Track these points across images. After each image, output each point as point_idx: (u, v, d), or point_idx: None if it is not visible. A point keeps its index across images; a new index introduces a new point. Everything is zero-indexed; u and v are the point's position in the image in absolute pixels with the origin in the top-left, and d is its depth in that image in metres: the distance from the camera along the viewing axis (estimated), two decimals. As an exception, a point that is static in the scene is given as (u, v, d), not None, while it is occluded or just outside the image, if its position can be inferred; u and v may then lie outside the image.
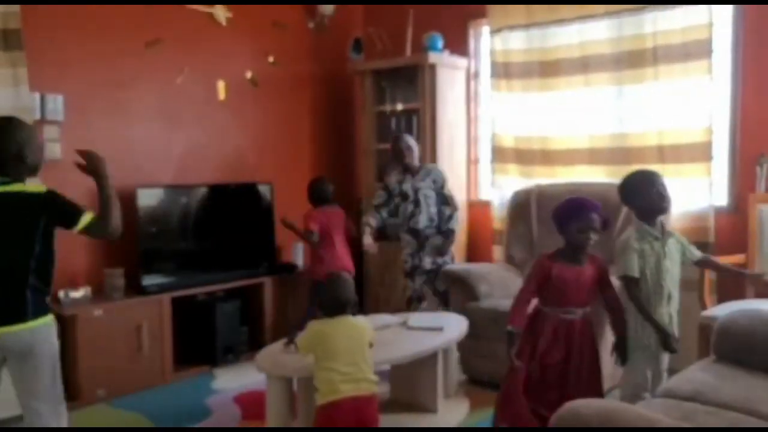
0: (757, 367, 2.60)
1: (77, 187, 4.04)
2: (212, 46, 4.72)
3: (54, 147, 3.96)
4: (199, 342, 4.34)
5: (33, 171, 2.48)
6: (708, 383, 2.46)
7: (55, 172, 3.91)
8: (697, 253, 3.03)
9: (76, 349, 3.74)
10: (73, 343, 3.73)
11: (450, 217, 4.35)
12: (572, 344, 2.87)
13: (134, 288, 4.11)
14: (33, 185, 2.46)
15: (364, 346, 2.69)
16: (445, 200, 4.36)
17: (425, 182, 4.35)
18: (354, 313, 2.77)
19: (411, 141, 4.43)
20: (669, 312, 2.88)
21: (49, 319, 2.44)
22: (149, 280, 4.12)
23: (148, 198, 4.20)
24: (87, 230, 2.44)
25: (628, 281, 2.84)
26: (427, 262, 4.33)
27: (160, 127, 4.49)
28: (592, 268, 2.93)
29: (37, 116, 3.82)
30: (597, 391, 2.90)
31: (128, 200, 4.12)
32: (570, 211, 2.90)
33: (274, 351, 3.11)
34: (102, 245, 4.16)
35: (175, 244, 4.37)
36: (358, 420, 2.58)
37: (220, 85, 4.79)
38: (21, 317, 2.34)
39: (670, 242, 2.91)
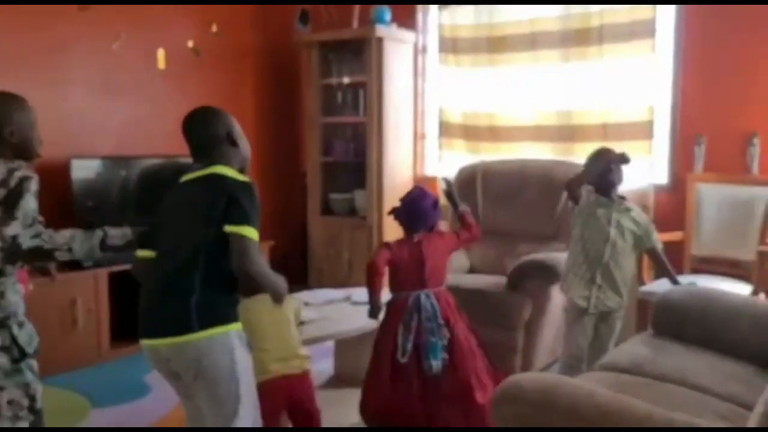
0: (693, 340, 2.66)
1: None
2: (151, 12, 4.54)
3: (-19, 114, 3.76)
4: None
5: None
6: (646, 356, 2.51)
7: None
8: (653, 244, 3.12)
9: (6, 325, 3.59)
10: (3, 320, 3.58)
11: None
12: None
13: (68, 262, 3.95)
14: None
15: (289, 322, 2.63)
16: None
17: None
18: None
19: None
20: (600, 281, 2.99)
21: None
22: (85, 255, 3.97)
23: (83, 169, 4.04)
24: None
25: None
26: None
27: (96, 96, 4.31)
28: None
29: (-38, 81, 3.60)
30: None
31: (62, 171, 3.98)
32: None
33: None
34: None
35: (113, 217, 4.17)
36: (290, 399, 2.53)
37: (160, 54, 4.61)
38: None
39: (625, 216, 3.00)
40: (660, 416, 1.58)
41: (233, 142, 2.23)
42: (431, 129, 5.16)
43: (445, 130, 4.96)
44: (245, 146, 2.29)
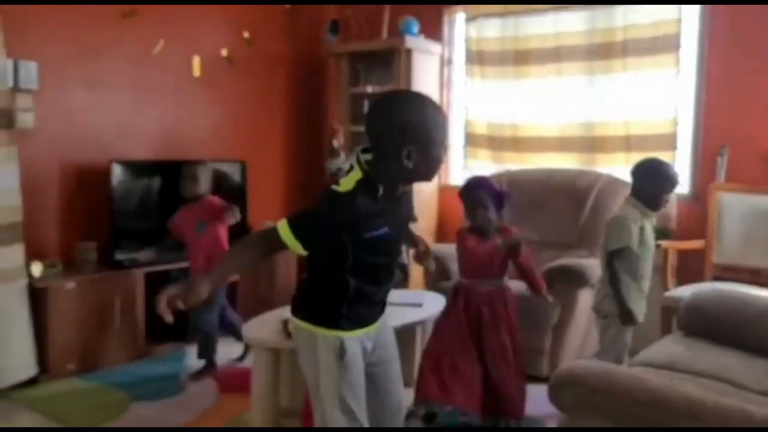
0: (723, 341, 2.76)
1: (49, 160, 4.01)
2: (188, 20, 4.67)
3: (27, 117, 3.86)
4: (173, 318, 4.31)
5: None
6: (681, 354, 2.61)
7: (27, 143, 3.84)
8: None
9: (47, 322, 3.70)
10: (44, 316, 3.70)
11: None
12: (481, 313, 3.00)
13: (107, 263, 4.07)
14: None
15: None
16: None
17: None
18: None
19: None
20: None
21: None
22: (122, 255, 4.08)
23: (122, 172, 4.15)
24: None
25: (615, 253, 2.91)
26: None
27: (134, 100, 4.42)
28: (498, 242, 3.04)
29: (10, 84, 3.70)
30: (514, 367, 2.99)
31: (102, 174, 4.10)
32: (461, 191, 3.15)
33: (260, 323, 3.13)
34: (74, 219, 4.11)
35: (149, 219, 4.32)
36: None
37: (196, 61, 4.75)
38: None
39: (652, 223, 3.05)
40: (713, 402, 1.68)
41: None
42: (457, 139, 5.28)
43: (471, 140, 5.08)
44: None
